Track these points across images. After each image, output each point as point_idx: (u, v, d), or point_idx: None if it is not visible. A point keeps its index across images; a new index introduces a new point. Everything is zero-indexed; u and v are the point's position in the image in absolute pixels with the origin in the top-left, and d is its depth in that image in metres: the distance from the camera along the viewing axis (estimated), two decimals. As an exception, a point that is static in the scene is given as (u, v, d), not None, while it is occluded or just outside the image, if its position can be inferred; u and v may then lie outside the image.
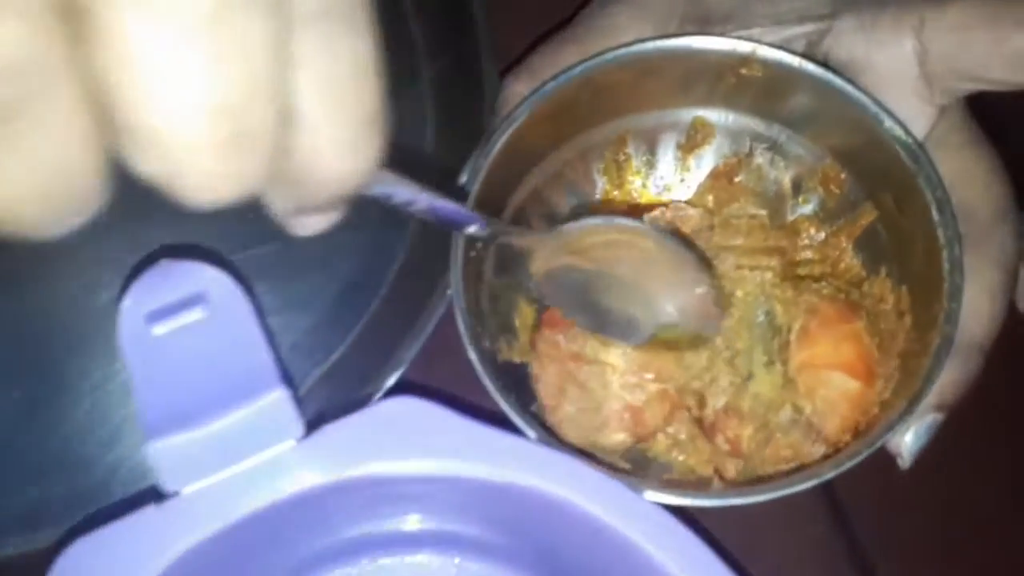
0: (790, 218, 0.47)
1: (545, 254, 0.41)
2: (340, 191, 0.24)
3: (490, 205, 0.42)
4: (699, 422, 0.43)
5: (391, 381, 0.44)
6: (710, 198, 0.47)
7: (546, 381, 0.43)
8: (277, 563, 0.39)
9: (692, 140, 0.48)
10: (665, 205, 0.47)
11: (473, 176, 0.42)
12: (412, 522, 0.40)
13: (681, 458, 0.43)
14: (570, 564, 0.39)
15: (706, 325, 0.42)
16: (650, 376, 0.43)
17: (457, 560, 0.40)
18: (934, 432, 0.39)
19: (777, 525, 0.46)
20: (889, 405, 0.40)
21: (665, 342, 0.42)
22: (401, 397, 0.36)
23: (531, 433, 0.38)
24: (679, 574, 0.35)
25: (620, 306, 0.42)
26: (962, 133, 0.42)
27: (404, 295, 0.49)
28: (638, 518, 0.36)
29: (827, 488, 0.48)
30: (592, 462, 0.37)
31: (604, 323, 0.42)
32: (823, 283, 0.43)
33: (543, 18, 0.49)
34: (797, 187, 0.47)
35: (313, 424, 0.36)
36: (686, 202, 0.48)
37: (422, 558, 0.41)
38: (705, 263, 0.44)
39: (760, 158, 0.46)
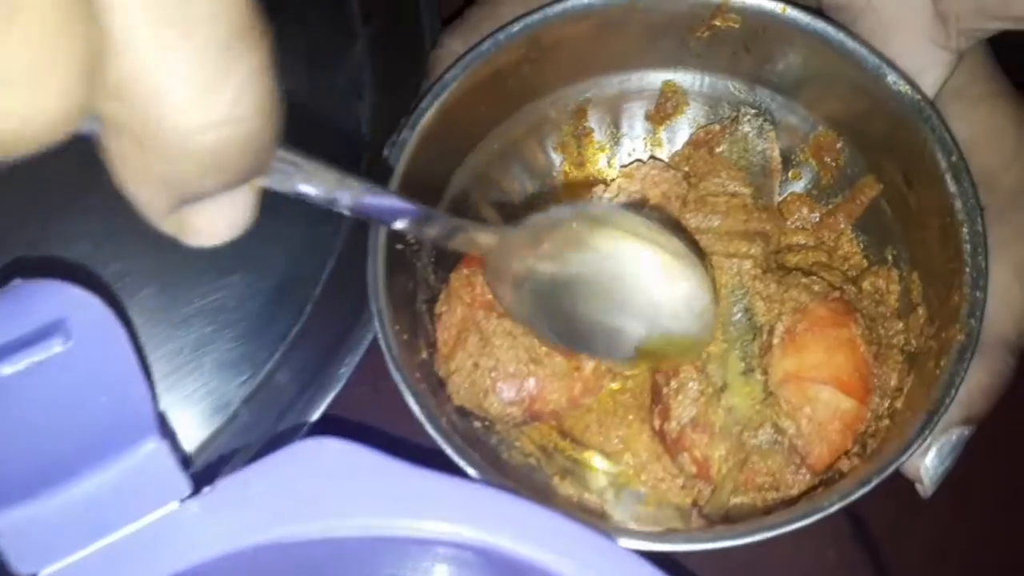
0: (778, 198, 0.40)
1: (504, 255, 0.33)
2: (201, 156, 0.18)
3: (422, 189, 0.35)
4: (661, 436, 0.36)
5: (326, 402, 0.39)
6: (686, 170, 0.40)
7: (447, 323, 0.36)
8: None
9: (662, 109, 0.41)
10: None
11: (398, 151, 0.35)
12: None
13: (651, 484, 0.37)
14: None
15: (702, 328, 0.34)
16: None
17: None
18: (960, 450, 0.32)
19: (786, 547, 0.40)
20: (902, 418, 0.33)
21: (655, 354, 0.34)
22: (319, 439, 0.29)
23: (473, 471, 0.32)
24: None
25: (601, 317, 0.33)
26: (985, 84, 0.35)
27: (340, 299, 0.43)
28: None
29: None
30: (551, 506, 0.31)
31: (582, 337, 0.34)
32: (814, 277, 0.37)
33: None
34: (787, 161, 0.40)
35: (207, 476, 0.29)
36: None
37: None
38: (697, 251, 0.36)
39: (747, 126, 0.39)
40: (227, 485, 0.29)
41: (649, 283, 0.33)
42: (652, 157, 0.41)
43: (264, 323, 0.43)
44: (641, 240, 0.32)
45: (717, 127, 0.40)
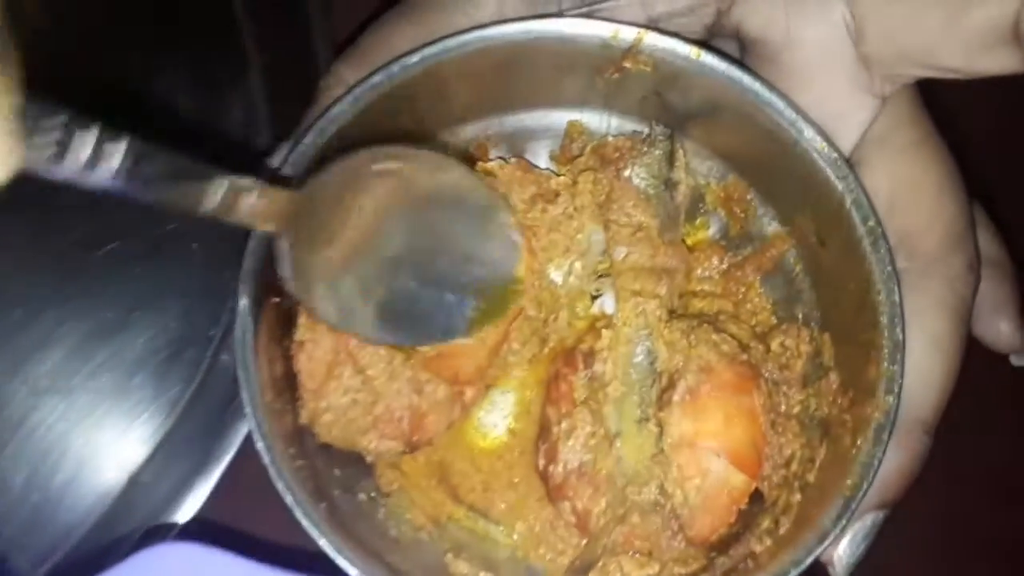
0: (684, 233, 0.38)
1: (303, 225, 0.30)
2: None
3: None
4: (544, 476, 0.34)
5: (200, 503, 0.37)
6: (588, 186, 0.37)
7: (314, 357, 0.33)
8: None
9: (567, 150, 0.38)
10: None
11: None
12: None
13: (549, 558, 0.34)
14: None
15: (513, 268, 0.33)
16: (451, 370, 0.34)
17: None
18: (874, 536, 0.31)
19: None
20: (815, 495, 0.31)
21: (484, 319, 0.33)
22: (170, 544, 0.26)
23: (353, 571, 0.29)
24: None
25: (425, 288, 0.32)
26: (909, 130, 0.33)
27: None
28: None
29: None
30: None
31: (414, 321, 0.32)
32: (724, 335, 0.34)
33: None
34: (695, 208, 0.38)
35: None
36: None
37: None
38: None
39: (659, 148, 0.36)
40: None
41: (461, 229, 0.32)
42: (517, 157, 0.38)
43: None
44: (447, 174, 0.32)
45: (626, 142, 0.37)
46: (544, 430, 0.35)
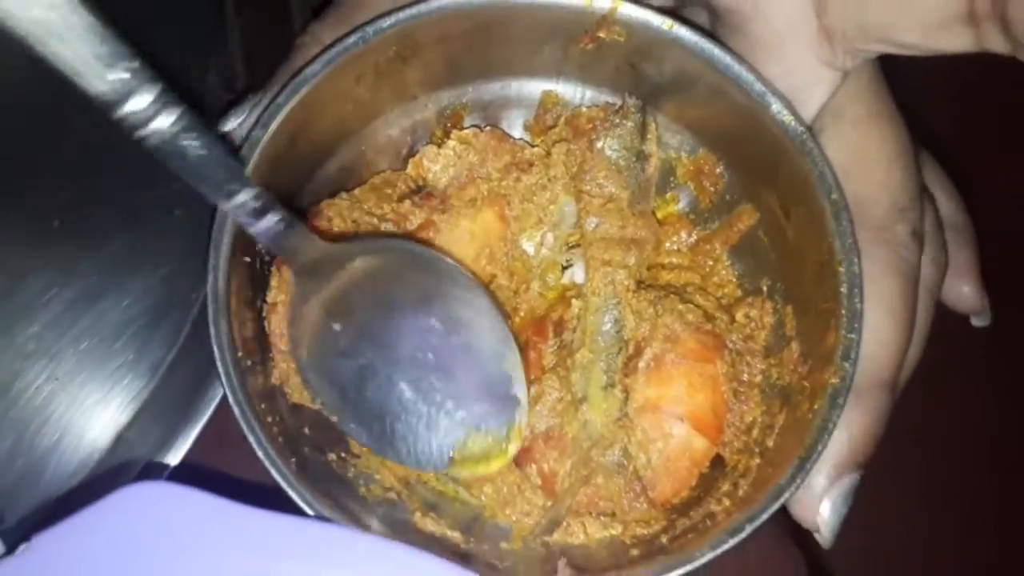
0: (655, 206, 0.39)
1: (310, 276, 0.32)
2: None
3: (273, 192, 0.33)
4: None
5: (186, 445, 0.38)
6: (561, 157, 0.38)
7: (283, 315, 0.34)
8: None
9: (541, 120, 0.39)
10: None
11: (250, 150, 0.32)
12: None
13: (515, 518, 0.35)
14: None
15: (509, 426, 0.34)
16: None
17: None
18: (852, 497, 0.32)
19: None
20: (774, 458, 0.33)
21: (466, 462, 0.33)
22: (139, 484, 0.27)
23: (310, 511, 0.30)
24: None
25: (413, 396, 0.33)
26: (866, 105, 0.34)
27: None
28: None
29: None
30: (402, 544, 0.29)
31: (389, 427, 0.33)
32: (690, 305, 0.35)
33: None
34: (666, 182, 0.39)
35: (22, 532, 0.26)
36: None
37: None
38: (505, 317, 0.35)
39: (631, 120, 0.37)
40: (42, 542, 0.26)
41: (472, 361, 0.33)
42: (492, 126, 0.39)
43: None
44: (464, 293, 0.32)
45: (599, 112, 0.37)
46: None
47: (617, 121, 0.37)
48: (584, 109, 0.38)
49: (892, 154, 0.34)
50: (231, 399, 0.31)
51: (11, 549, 0.26)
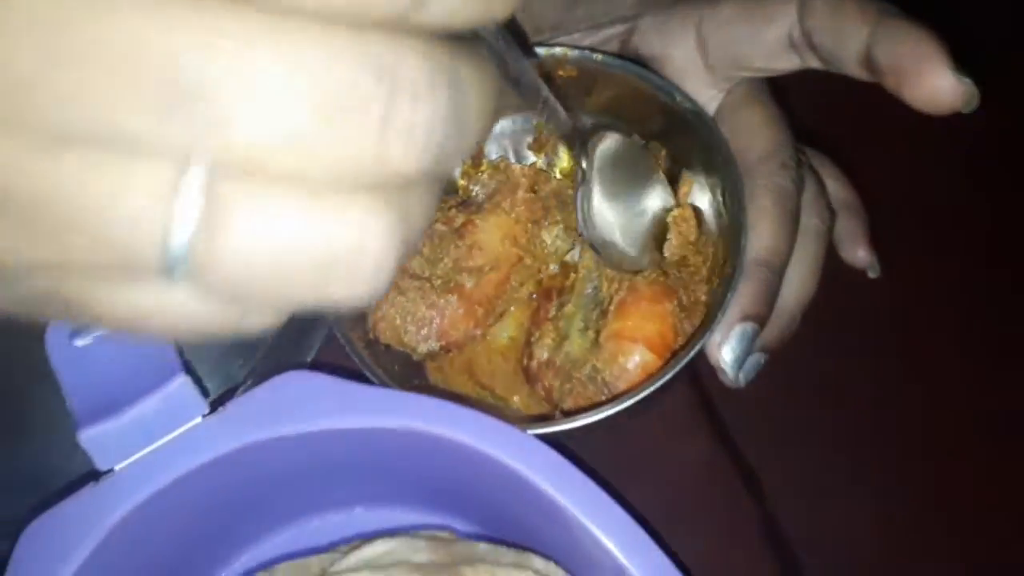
0: None
1: None
2: None
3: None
4: (526, 370, 0.51)
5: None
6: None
7: None
8: (216, 533, 0.47)
9: (540, 140, 0.55)
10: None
11: None
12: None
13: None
14: (465, 498, 0.47)
15: None
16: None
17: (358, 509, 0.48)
18: (749, 342, 0.45)
19: (660, 446, 0.54)
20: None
21: None
22: (291, 372, 0.43)
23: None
24: (549, 488, 0.41)
25: None
26: (744, 97, 0.49)
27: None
28: (521, 451, 0.41)
29: (709, 409, 0.56)
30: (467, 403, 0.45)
31: None
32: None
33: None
34: None
35: (220, 401, 0.43)
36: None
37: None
38: None
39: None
40: (234, 405, 0.43)
41: None
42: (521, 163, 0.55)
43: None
44: None
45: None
46: (527, 341, 0.52)
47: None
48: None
49: (763, 121, 0.48)
50: (348, 349, 0.48)
51: (213, 410, 0.43)
